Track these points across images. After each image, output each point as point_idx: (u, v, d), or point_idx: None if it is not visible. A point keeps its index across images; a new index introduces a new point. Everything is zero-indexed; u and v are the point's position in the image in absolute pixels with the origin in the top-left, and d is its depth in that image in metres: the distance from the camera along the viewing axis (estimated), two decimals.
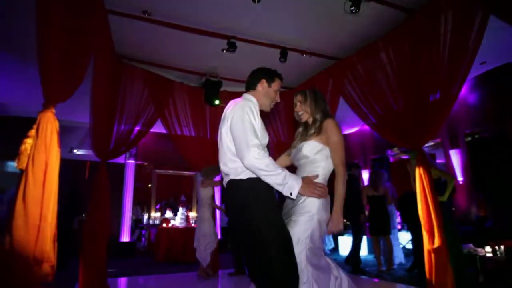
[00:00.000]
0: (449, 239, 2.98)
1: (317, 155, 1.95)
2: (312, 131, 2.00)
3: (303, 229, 1.81)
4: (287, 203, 2.01)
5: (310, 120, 2.07)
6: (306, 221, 1.82)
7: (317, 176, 1.89)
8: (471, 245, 3.56)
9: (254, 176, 1.70)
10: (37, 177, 1.87)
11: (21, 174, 1.97)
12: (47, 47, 1.99)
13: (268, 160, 1.66)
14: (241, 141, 1.67)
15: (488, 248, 3.32)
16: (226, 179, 1.81)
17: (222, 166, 1.82)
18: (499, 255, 3.16)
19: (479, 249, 3.46)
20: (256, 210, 1.66)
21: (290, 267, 1.64)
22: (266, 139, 1.83)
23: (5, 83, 5.58)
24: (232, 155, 1.75)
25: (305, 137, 2.04)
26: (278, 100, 1.99)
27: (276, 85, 1.93)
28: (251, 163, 1.64)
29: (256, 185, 1.71)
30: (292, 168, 2.07)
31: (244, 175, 1.72)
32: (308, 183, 1.77)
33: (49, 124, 1.96)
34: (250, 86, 1.94)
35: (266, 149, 1.79)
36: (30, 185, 1.84)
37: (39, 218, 1.82)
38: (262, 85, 1.91)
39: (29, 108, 6.05)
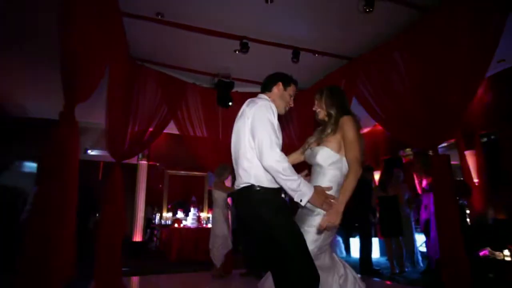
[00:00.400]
0: None
1: (331, 167, 1.91)
2: (329, 130, 1.98)
3: (313, 240, 1.82)
4: (299, 213, 2.00)
5: (326, 118, 2.05)
6: (314, 232, 1.83)
7: (330, 188, 1.87)
8: (488, 249, 3.49)
9: (266, 185, 1.70)
10: (58, 177, 1.92)
11: (42, 173, 2.03)
12: (68, 49, 2.04)
13: (287, 164, 1.66)
14: (264, 140, 1.66)
15: (506, 252, 3.25)
16: (238, 182, 1.79)
17: (235, 166, 1.82)
18: None
19: (497, 253, 3.38)
20: (272, 221, 1.66)
21: (312, 272, 1.65)
22: (280, 140, 1.82)
23: (23, 85, 5.72)
24: (249, 153, 1.73)
25: (321, 137, 2.01)
26: (292, 105, 2.00)
27: (291, 89, 1.96)
28: (271, 164, 1.64)
29: (268, 194, 1.71)
30: (298, 166, 2.05)
31: (255, 180, 1.71)
32: (320, 194, 1.75)
33: (70, 124, 2.01)
34: (266, 87, 1.96)
35: None
36: (51, 185, 1.89)
37: (61, 217, 1.87)
38: (278, 88, 1.93)
39: (47, 109, 6.20)
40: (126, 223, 7.31)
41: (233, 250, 4.89)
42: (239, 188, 1.77)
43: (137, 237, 7.63)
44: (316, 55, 4.57)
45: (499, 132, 5.69)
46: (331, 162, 1.90)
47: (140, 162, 7.94)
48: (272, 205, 1.70)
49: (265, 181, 1.71)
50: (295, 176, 1.66)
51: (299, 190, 1.66)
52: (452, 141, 6.17)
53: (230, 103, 5.16)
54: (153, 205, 8.46)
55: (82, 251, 5.47)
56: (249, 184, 1.71)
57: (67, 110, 2.05)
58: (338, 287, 1.84)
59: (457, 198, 5.62)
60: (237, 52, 4.35)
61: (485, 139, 5.83)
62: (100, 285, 3.64)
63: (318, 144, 2.01)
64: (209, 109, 5.38)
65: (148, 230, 8.21)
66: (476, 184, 5.65)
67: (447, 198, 3.21)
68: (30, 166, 6.91)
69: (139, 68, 4.56)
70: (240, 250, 5.22)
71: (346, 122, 1.92)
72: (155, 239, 8.16)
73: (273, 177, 1.69)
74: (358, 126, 1.96)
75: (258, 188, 1.70)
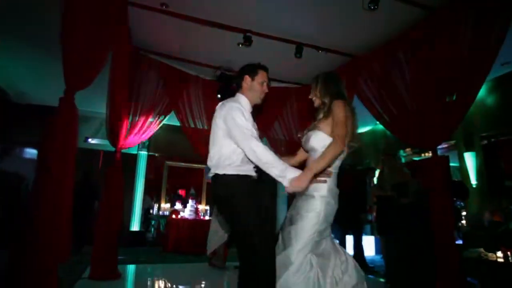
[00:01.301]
0: None
1: (323, 147, 1.91)
2: (321, 115, 2.02)
3: (311, 225, 1.85)
4: (296, 200, 2.03)
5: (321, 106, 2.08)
6: (313, 217, 1.87)
7: (329, 174, 1.90)
8: (481, 250, 3.52)
9: (237, 173, 1.82)
10: (56, 161, 1.94)
11: (40, 158, 2.05)
12: (71, 36, 2.05)
13: (265, 151, 1.73)
14: (237, 136, 1.78)
15: (499, 253, 3.27)
16: (211, 173, 1.90)
17: (209, 161, 1.92)
18: (511, 260, 3.11)
19: (490, 254, 3.41)
20: (237, 200, 1.78)
21: (270, 255, 1.75)
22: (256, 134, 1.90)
23: (24, 71, 5.73)
24: (217, 148, 1.85)
25: (315, 123, 2.06)
26: (267, 91, 2.05)
27: (260, 77, 2.01)
28: (249, 154, 1.74)
29: (238, 179, 1.82)
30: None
31: (228, 170, 1.82)
32: (306, 175, 1.73)
33: (70, 110, 2.02)
34: (238, 86, 2.04)
35: None
36: (49, 169, 1.91)
37: (57, 200, 1.89)
38: (246, 82, 2.00)
39: (48, 96, 6.21)
40: (124, 213, 7.37)
41: (229, 243, 4.94)
42: (214, 174, 1.90)
43: (135, 227, 7.69)
44: (320, 51, 4.55)
45: (500, 135, 5.69)
46: (323, 145, 1.91)
47: (140, 152, 7.96)
48: (235, 189, 1.80)
49: (229, 170, 1.82)
50: (277, 162, 1.71)
51: (284, 175, 1.69)
52: (452, 142, 6.18)
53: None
54: (152, 196, 8.51)
55: (83, 237, 5.56)
56: (215, 174, 1.86)
57: (67, 96, 2.06)
58: (340, 272, 1.87)
59: (454, 199, 5.65)
60: (240, 45, 4.33)
61: (485, 142, 5.83)
62: (95, 271, 3.68)
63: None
64: (210, 101, 5.38)
65: (146, 220, 8.27)
66: (474, 186, 5.67)
67: (443, 199, 3.23)
68: (31, 152, 6.95)
69: (142, 58, 4.56)
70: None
71: (336, 105, 1.95)
72: (152, 229, 8.22)
73: (258, 166, 1.77)
74: (349, 110, 1.98)
75: (222, 176, 1.83)
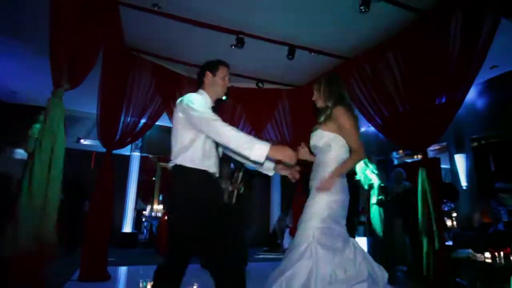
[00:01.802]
0: None
1: (325, 145, 2.05)
2: (322, 118, 2.12)
3: (317, 210, 1.94)
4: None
5: (323, 108, 2.17)
6: (320, 203, 1.95)
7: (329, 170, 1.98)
8: (470, 251, 3.56)
9: (195, 167, 1.83)
10: (43, 161, 1.93)
11: (28, 157, 2.03)
12: (58, 35, 2.03)
13: (231, 127, 1.75)
14: (202, 124, 1.79)
15: (487, 254, 3.31)
16: (172, 163, 1.93)
17: (172, 157, 1.94)
18: (498, 261, 3.15)
19: (478, 255, 3.45)
20: (178, 199, 1.83)
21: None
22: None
23: (14, 71, 5.67)
24: (180, 141, 1.88)
25: (316, 125, 2.15)
26: (228, 85, 2.13)
27: (221, 72, 2.08)
28: (216, 129, 1.74)
29: (195, 175, 1.84)
30: None
31: (187, 163, 1.84)
32: (282, 149, 1.74)
33: (57, 110, 2.01)
34: (199, 84, 2.10)
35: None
36: (36, 168, 1.90)
37: (44, 200, 1.87)
38: (207, 78, 2.06)
39: (38, 96, 6.15)
40: (117, 214, 7.32)
41: None
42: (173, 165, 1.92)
43: (127, 228, 7.64)
44: (312, 53, 4.58)
45: (490, 138, 5.77)
46: (324, 141, 2.04)
47: (133, 153, 7.92)
48: (187, 188, 1.84)
49: (189, 163, 1.85)
50: (242, 137, 1.71)
51: (249, 147, 1.68)
52: (444, 144, 6.25)
53: (224, 98, 5.14)
54: (144, 197, 8.47)
55: (76, 238, 5.50)
56: (174, 164, 1.89)
57: (55, 96, 2.04)
58: (343, 269, 1.88)
59: (444, 200, 5.71)
60: (233, 47, 4.34)
61: (475, 144, 5.91)
62: (85, 272, 3.65)
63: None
64: None
65: (138, 222, 8.22)
66: (464, 188, 5.73)
67: (433, 200, 3.26)
68: (22, 153, 6.87)
69: (134, 58, 4.54)
70: None
71: (340, 113, 2.03)
72: (145, 230, 8.17)
73: (229, 147, 1.78)
74: (351, 113, 2.06)
75: (180, 167, 1.85)
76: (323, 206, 1.94)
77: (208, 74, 2.06)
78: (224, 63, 2.12)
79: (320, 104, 2.19)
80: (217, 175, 1.95)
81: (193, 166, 1.83)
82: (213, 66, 2.08)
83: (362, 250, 2.03)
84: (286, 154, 1.70)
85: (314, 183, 2.05)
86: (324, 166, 2.04)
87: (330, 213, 1.95)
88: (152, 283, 1.86)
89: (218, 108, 2.10)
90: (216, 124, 1.74)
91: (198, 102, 1.87)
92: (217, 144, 1.95)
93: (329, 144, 2.04)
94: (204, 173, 1.86)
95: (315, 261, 1.81)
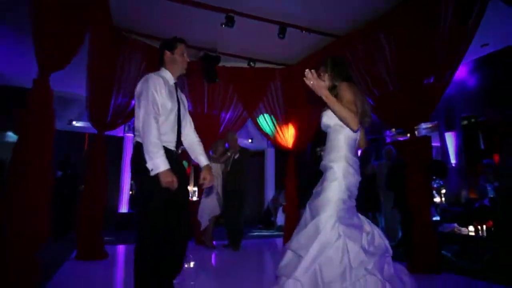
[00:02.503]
0: None
1: (335, 124, 2.06)
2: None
3: (333, 193, 1.96)
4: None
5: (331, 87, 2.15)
6: (336, 186, 1.97)
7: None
8: (455, 225, 3.69)
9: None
10: (32, 144, 1.93)
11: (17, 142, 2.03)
12: (41, 14, 1.99)
13: (155, 140, 1.86)
14: (144, 108, 1.91)
15: (471, 228, 3.44)
16: (135, 141, 2.04)
17: (136, 134, 2.04)
18: (480, 234, 3.28)
19: (463, 229, 3.59)
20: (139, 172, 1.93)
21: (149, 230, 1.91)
22: (170, 105, 2.02)
23: (2, 52, 5.53)
24: (137, 117, 1.98)
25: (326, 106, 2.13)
26: (188, 60, 2.20)
27: (179, 50, 2.14)
28: (146, 124, 1.88)
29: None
30: None
31: (140, 138, 1.93)
32: (167, 176, 1.86)
33: (43, 92, 1.99)
34: (160, 62, 2.16)
35: (175, 113, 2.05)
36: (25, 152, 1.91)
37: (35, 183, 1.90)
38: (166, 56, 2.12)
39: (28, 78, 6.03)
40: (112, 195, 7.38)
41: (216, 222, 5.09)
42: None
43: (123, 209, 7.73)
44: (303, 31, 4.52)
45: (480, 116, 5.84)
46: (334, 122, 2.06)
47: (126, 134, 7.90)
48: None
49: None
50: (158, 142, 1.86)
51: (151, 157, 1.84)
52: (435, 123, 6.32)
53: (216, 79, 5.11)
54: None
55: (70, 220, 5.56)
56: (137, 141, 2.00)
57: (41, 77, 2.02)
58: (367, 242, 1.94)
59: (433, 177, 5.84)
60: (223, 26, 4.27)
61: (465, 122, 5.99)
62: (82, 252, 3.73)
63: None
64: (195, 82, 5.33)
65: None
66: (454, 165, 5.85)
67: (423, 176, 3.33)
68: (13, 136, 6.81)
69: (124, 39, 4.45)
70: (221, 223, 5.38)
71: (343, 87, 2.05)
72: None
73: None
74: (354, 89, 2.06)
75: (140, 144, 1.95)
76: (342, 187, 1.96)
77: (167, 53, 2.11)
78: (181, 39, 2.16)
79: (328, 83, 2.17)
80: (179, 151, 2.07)
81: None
82: (170, 44, 2.13)
83: (369, 221, 2.10)
84: (165, 182, 1.85)
85: (328, 163, 2.05)
86: (337, 147, 2.04)
87: (348, 194, 1.99)
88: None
89: (187, 85, 2.11)
90: (149, 121, 1.87)
91: (153, 86, 1.94)
92: (180, 123, 2.07)
93: (341, 124, 2.03)
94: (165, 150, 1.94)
95: (344, 240, 1.84)
